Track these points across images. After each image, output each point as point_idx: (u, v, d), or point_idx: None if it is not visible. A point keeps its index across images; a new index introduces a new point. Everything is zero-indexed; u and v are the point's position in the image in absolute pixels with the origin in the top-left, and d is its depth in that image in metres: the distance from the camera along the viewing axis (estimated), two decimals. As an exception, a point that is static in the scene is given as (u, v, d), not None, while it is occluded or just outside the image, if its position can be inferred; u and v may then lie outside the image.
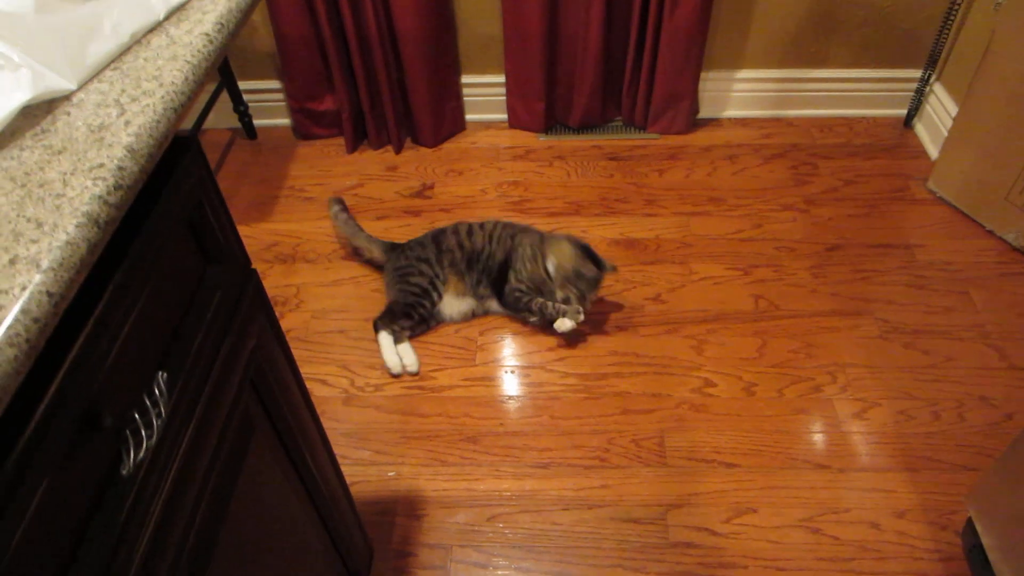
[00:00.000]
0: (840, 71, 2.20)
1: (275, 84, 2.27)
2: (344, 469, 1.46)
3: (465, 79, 2.25)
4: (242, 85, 2.23)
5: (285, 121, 2.34)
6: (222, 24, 0.66)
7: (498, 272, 1.71)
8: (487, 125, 2.33)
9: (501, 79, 2.23)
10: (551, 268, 1.66)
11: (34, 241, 0.46)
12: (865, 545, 1.32)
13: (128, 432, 0.53)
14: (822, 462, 1.44)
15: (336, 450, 1.49)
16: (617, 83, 2.21)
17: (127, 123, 0.55)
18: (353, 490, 1.44)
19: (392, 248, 1.80)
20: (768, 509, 1.38)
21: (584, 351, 1.66)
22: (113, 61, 0.62)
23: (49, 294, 0.43)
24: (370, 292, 1.82)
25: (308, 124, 2.27)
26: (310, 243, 1.96)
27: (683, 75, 2.11)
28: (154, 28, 0.66)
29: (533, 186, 2.11)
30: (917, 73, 2.16)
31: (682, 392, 1.57)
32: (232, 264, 0.71)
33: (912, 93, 2.19)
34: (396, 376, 1.62)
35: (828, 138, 2.21)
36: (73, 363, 0.49)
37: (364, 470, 1.47)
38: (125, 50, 0.63)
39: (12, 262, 0.44)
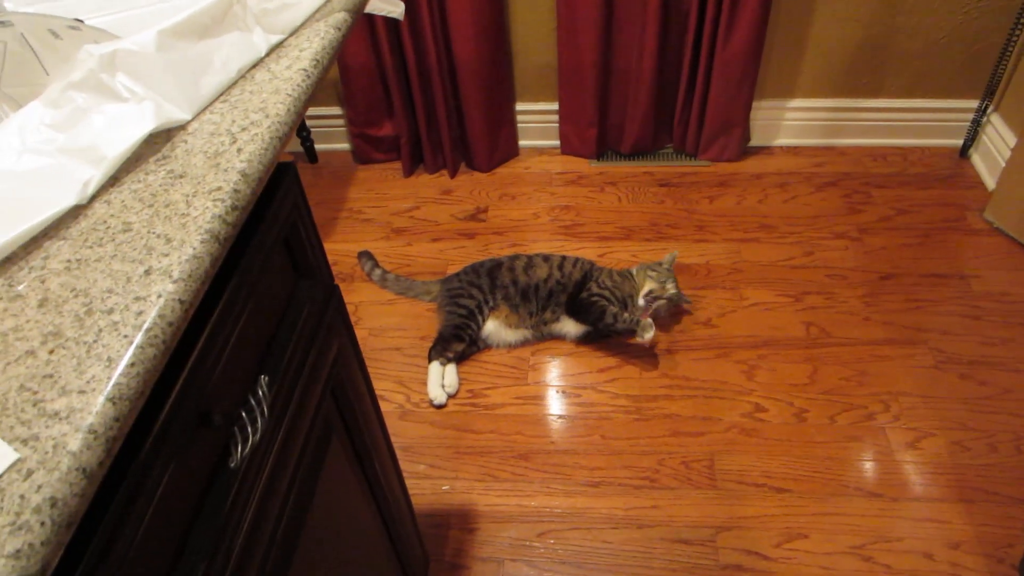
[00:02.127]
0: (894, 101, 2.21)
1: (336, 111, 2.37)
2: (400, 482, 1.52)
3: (519, 106, 2.32)
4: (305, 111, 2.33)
5: (345, 146, 2.44)
6: (317, 60, 0.73)
7: (575, 288, 1.74)
8: (540, 151, 2.39)
9: (555, 107, 2.29)
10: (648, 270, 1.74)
11: (165, 255, 0.52)
12: (918, 575, 1.31)
13: (236, 429, 0.58)
14: (874, 490, 1.44)
15: (392, 463, 1.55)
16: (669, 111, 2.25)
17: (239, 151, 0.61)
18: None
19: (448, 279, 1.86)
20: (819, 535, 1.38)
21: (634, 373, 1.69)
22: (222, 94, 0.68)
23: (180, 301, 0.49)
24: (424, 311, 1.87)
25: (367, 149, 2.35)
26: (368, 263, 2.03)
27: (735, 104, 2.14)
28: (257, 64, 0.72)
29: (585, 211, 2.15)
30: (974, 103, 2.15)
31: (732, 416, 1.58)
32: (319, 279, 0.77)
33: (968, 123, 2.18)
34: (439, 406, 1.65)
35: (881, 167, 2.21)
36: (192, 367, 0.54)
37: (419, 483, 1.52)
38: (232, 84, 0.70)
39: (147, 272, 0.50)
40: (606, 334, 1.74)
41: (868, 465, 1.48)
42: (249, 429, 0.58)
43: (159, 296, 0.49)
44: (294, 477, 0.68)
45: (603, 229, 2.08)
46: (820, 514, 1.41)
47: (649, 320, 1.64)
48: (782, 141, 2.32)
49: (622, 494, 1.47)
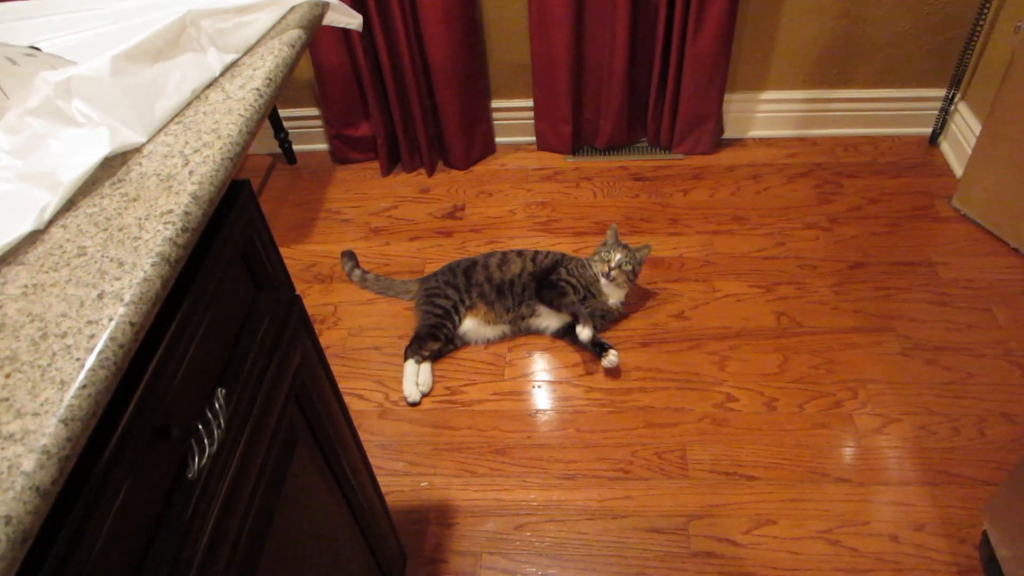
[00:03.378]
0: (864, 91, 2.24)
1: (314, 112, 2.38)
2: (379, 480, 1.54)
3: (495, 103, 2.34)
4: (282, 113, 2.35)
5: (323, 146, 2.45)
6: (271, 79, 0.75)
7: (543, 273, 1.77)
8: (516, 147, 2.41)
9: (530, 103, 2.31)
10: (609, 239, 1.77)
11: (117, 279, 0.54)
12: (883, 557, 1.35)
13: (193, 441, 0.60)
14: (842, 475, 1.48)
15: (372, 461, 1.57)
16: (642, 106, 2.28)
17: (191, 172, 0.63)
18: (388, 500, 1.51)
19: (426, 279, 1.89)
20: (788, 521, 1.42)
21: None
22: (177, 115, 0.70)
23: (131, 324, 0.52)
24: (403, 311, 1.90)
25: (345, 149, 2.37)
26: (347, 263, 2.05)
27: (707, 97, 2.17)
28: (211, 84, 0.75)
29: (560, 206, 2.18)
30: (941, 92, 2.19)
31: (704, 407, 1.62)
32: (279, 290, 0.79)
33: (937, 112, 2.21)
34: (413, 404, 1.68)
35: (853, 157, 2.25)
36: (148, 383, 0.57)
37: (398, 480, 1.55)
38: (187, 105, 0.72)
39: (100, 296, 0.53)
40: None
41: (836, 451, 1.52)
42: (206, 441, 0.61)
43: (110, 319, 0.51)
44: (257, 484, 0.71)
45: (579, 224, 2.11)
46: (789, 500, 1.45)
47: (614, 354, 1.66)
48: (755, 133, 2.35)
49: (597, 486, 1.50)
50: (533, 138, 2.39)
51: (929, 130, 2.26)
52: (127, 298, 0.52)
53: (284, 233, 2.17)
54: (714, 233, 2.03)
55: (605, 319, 1.79)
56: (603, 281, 1.73)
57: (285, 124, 2.36)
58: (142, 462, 0.56)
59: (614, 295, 1.76)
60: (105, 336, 0.50)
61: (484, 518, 1.47)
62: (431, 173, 2.34)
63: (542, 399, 1.67)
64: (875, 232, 1.99)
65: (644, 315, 1.83)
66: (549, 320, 1.78)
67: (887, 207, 2.06)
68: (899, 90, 2.23)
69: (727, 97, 2.24)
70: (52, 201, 0.61)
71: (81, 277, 0.55)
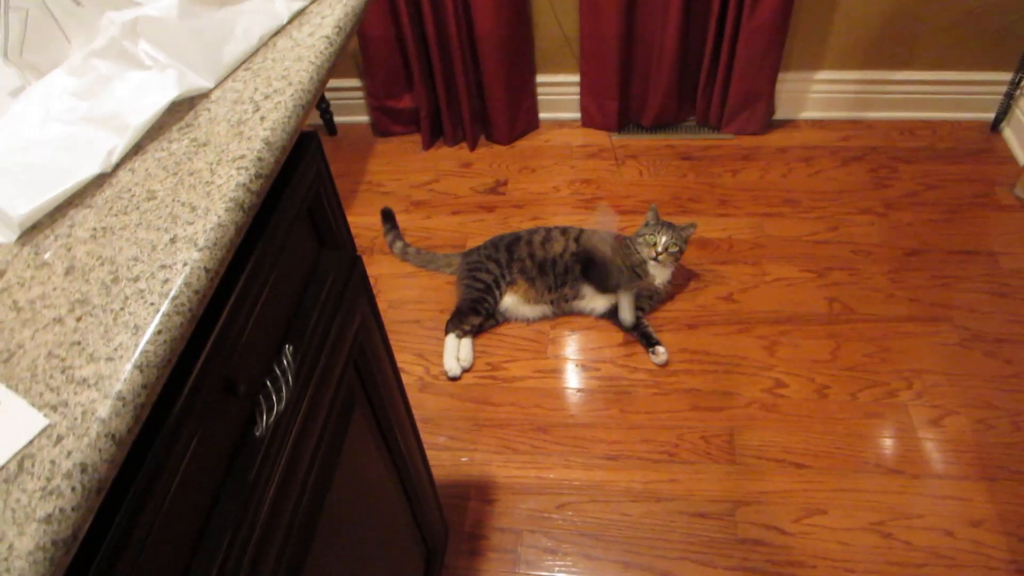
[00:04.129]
0: (924, 73, 2.15)
1: (356, 83, 2.36)
2: (419, 453, 1.53)
3: (540, 78, 2.29)
4: (326, 83, 2.32)
5: (364, 118, 2.43)
6: (340, 27, 0.72)
7: (589, 253, 1.74)
8: (560, 124, 2.36)
9: (576, 79, 2.26)
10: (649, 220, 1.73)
11: (190, 223, 0.51)
12: (938, 552, 1.30)
13: (261, 398, 0.58)
14: (895, 467, 1.43)
15: (412, 434, 1.56)
16: (692, 83, 2.22)
17: (262, 119, 0.60)
18: (428, 473, 1.50)
19: (468, 252, 1.86)
20: (838, 511, 1.38)
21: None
22: (245, 62, 0.68)
23: (206, 270, 0.49)
24: (444, 283, 1.87)
25: (387, 121, 2.34)
26: (388, 236, 2.03)
27: (760, 76, 2.10)
28: (279, 31, 0.72)
29: (605, 184, 2.13)
30: (1007, 76, 2.10)
31: (753, 391, 1.58)
32: (342, 249, 0.76)
33: (1001, 97, 2.12)
34: (453, 379, 1.67)
35: (909, 142, 2.17)
36: (217, 336, 0.54)
37: (438, 455, 1.53)
38: (255, 51, 0.69)
39: (172, 240, 0.50)
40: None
41: (889, 442, 1.47)
42: (274, 398, 0.58)
43: (185, 264, 0.48)
44: (318, 446, 0.69)
45: (624, 203, 2.06)
46: (839, 490, 1.40)
47: (663, 351, 1.64)
48: (807, 114, 2.28)
49: (641, 468, 1.47)
50: (578, 114, 2.34)
51: (992, 115, 2.17)
52: (201, 243, 0.50)
53: (325, 204, 2.15)
54: (764, 215, 1.97)
55: (652, 299, 1.75)
56: (651, 264, 1.69)
57: (326, 94, 2.34)
58: (211, 417, 0.54)
59: (660, 275, 1.72)
60: (180, 281, 0.47)
61: (525, 496, 1.45)
62: (473, 147, 2.30)
63: (585, 378, 1.64)
64: (932, 219, 1.92)
65: (691, 296, 1.78)
66: (595, 303, 1.74)
67: (945, 194, 1.99)
68: (961, 73, 2.14)
69: (780, 76, 2.17)
70: (119, 144, 0.58)
71: (152, 221, 0.52)
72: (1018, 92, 2.09)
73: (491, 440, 1.55)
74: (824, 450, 1.47)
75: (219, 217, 0.52)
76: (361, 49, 2.19)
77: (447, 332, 1.71)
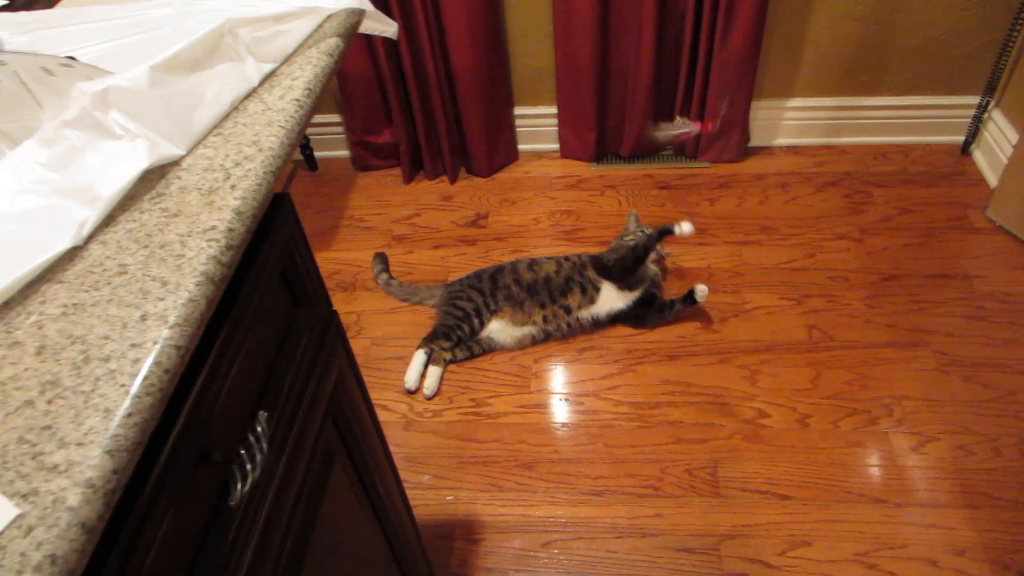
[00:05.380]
0: (894, 99, 2.20)
1: (335, 118, 2.37)
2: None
3: (518, 111, 2.32)
4: (306, 119, 2.33)
5: (345, 153, 2.44)
6: (310, 89, 0.73)
7: (592, 259, 1.83)
8: (539, 155, 2.39)
9: (553, 110, 2.29)
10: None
11: (160, 299, 0.52)
12: (924, 581, 1.31)
13: (235, 467, 0.58)
14: (878, 496, 1.44)
15: (396, 474, 1.55)
16: (668, 112, 2.25)
17: (233, 187, 0.61)
18: (414, 513, 1.49)
19: (451, 283, 1.88)
20: (823, 542, 1.38)
21: (637, 380, 1.69)
22: (216, 127, 0.68)
23: (177, 347, 0.49)
24: (427, 319, 1.87)
25: (367, 156, 2.35)
26: (369, 271, 2.03)
27: (734, 104, 2.14)
28: (250, 94, 0.72)
29: (585, 215, 2.15)
30: (975, 100, 2.14)
31: (735, 422, 1.58)
32: (317, 307, 0.77)
33: (969, 120, 2.17)
34: (409, 392, 1.70)
35: (883, 166, 2.20)
36: (191, 407, 0.55)
37: (423, 494, 1.52)
38: (226, 116, 0.70)
39: (143, 318, 0.51)
40: (647, 302, 1.79)
41: (872, 471, 1.48)
42: (248, 466, 0.58)
43: (155, 343, 0.49)
44: (295, 508, 0.69)
45: (604, 233, 2.08)
46: (824, 521, 1.41)
47: (701, 286, 1.73)
48: (782, 141, 2.32)
49: (626, 503, 1.47)
50: (556, 145, 2.36)
51: (962, 138, 2.22)
52: (172, 320, 0.50)
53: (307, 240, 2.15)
54: (742, 243, 2.00)
55: (655, 283, 1.83)
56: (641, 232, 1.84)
57: (307, 131, 2.35)
58: (185, 490, 0.54)
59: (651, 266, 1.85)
60: (150, 361, 0.48)
61: (511, 534, 1.44)
62: (453, 180, 2.32)
63: (569, 413, 1.64)
64: (907, 243, 1.95)
65: (672, 327, 1.79)
66: (612, 302, 1.77)
67: (919, 217, 2.02)
68: (931, 97, 2.18)
69: (754, 104, 2.20)
70: (91, 216, 0.59)
71: (123, 297, 0.53)
72: (986, 115, 2.13)
73: (476, 478, 1.54)
74: (807, 480, 1.47)
75: (189, 292, 0.52)
76: (339, 86, 2.21)
77: (417, 348, 1.73)
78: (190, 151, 0.66)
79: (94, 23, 0.86)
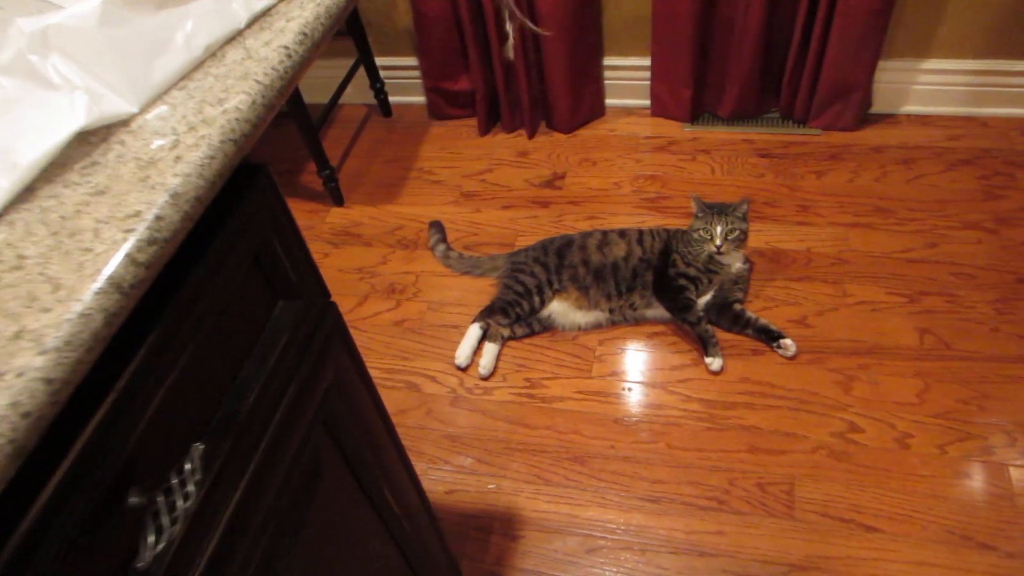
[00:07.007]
0: (1055, 64, 1.86)
1: (412, 62, 2.23)
2: (443, 475, 1.42)
3: (607, 61, 2.11)
4: (379, 61, 2.21)
5: (420, 99, 2.30)
6: (306, 34, 0.58)
7: (659, 262, 1.60)
8: (628, 111, 2.18)
9: (646, 62, 2.06)
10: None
11: (46, 310, 0.40)
12: (1034, 652, 1.10)
13: (150, 517, 0.46)
14: (987, 541, 1.22)
15: (438, 453, 1.45)
16: (777, 70, 1.99)
17: (177, 159, 0.48)
18: (451, 499, 1.39)
19: (515, 252, 1.73)
20: (913, 586, 1.19)
21: (712, 375, 1.51)
22: (183, 79, 0.55)
23: (48, 381, 0.37)
24: (488, 286, 1.74)
25: (442, 104, 2.21)
26: (434, 229, 1.91)
27: (857, 64, 1.86)
28: (235, 38, 0.59)
29: (672, 182, 1.94)
30: None
31: (821, 435, 1.39)
32: (308, 298, 0.64)
33: None
34: (460, 369, 1.58)
35: (1031, 144, 1.88)
36: (95, 437, 0.43)
37: (464, 478, 1.42)
38: (198, 65, 0.56)
39: (17, 336, 0.39)
40: (723, 306, 1.59)
41: (982, 509, 1.26)
42: (165, 519, 0.46)
43: (19, 375, 0.37)
44: (256, 542, 0.57)
45: (691, 204, 1.87)
46: (916, 563, 1.21)
47: (791, 343, 1.50)
48: (910, 108, 2.01)
49: (685, 514, 1.32)
50: (647, 102, 2.14)
51: None
52: (48, 342, 0.38)
53: (372, 191, 2.05)
54: (850, 226, 1.75)
55: (740, 284, 1.60)
56: (717, 257, 1.55)
57: (382, 74, 2.22)
58: (77, 544, 0.43)
59: (735, 260, 1.57)
60: (4, 402, 0.36)
61: (553, 535, 1.32)
62: (532, 135, 2.14)
63: (632, 404, 1.49)
64: (1053, 239, 1.66)
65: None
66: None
67: (1071, 209, 1.71)
68: (1102, 66, 1.83)
69: (880, 64, 1.91)
70: (3, 187, 0.47)
71: (6, 303, 0.41)
72: None
73: (522, 467, 1.42)
74: (901, 512, 1.27)
75: (83, 304, 0.40)
76: (416, 26, 2.06)
77: (473, 321, 1.61)
78: (145, 108, 0.53)
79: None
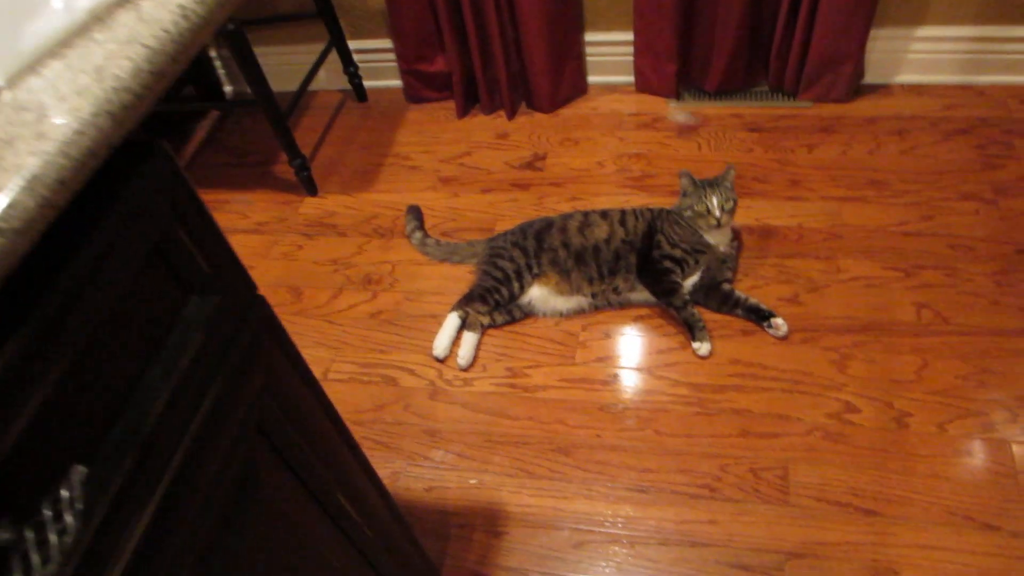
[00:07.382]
0: (1053, 25, 1.78)
1: (387, 44, 2.15)
2: (423, 472, 1.37)
3: (588, 36, 2.03)
4: (352, 45, 2.13)
5: (396, 83, 2.23)
6: (208, -7, 0.52)
7: (643, 244, 1.53)
8: (611, 88, 2.10)
9: (629, 36, 1.99)
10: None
11: None
12: (1042, 640, 1.05)
13: (18, 557, 0.40)
14: (990, 521, 1.17)
15: (417, 449, 1.39)
16: (765, 41, 1.91)
17: (40, 136, 0.41)
18: (431, 496, 1.34)
19: (494, 238, 1.66)
20: (914, 572, 1.13)
21: (700, 359, 1.45)
22: (61, 45, 0.49)
23: None
24: (467, 273, 1.68)
25: (418, 87, 2.14)
26: (412, 216, 1.84)
27: (848, 32, 1.78)
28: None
29: (658, 160, 1.87)
30: None
31: (816, 416, 1.33)
32: (228, 292, 0.58)
33: None
34: (438, 360, 1.52)
35: (1029, 109, 1.81)
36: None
37: (444, 475, 1.36)
38: (81, 29, 0.50)
39: None
40: (711, 286, 1.53)
41: (984, 489, 1.20)
42: (34, 557, 0.40)
43: None
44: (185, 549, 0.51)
45: (678, 183, 1.80)
46: (917, 546, 1.16)
47: (782, 323, 1.44)
48: (904, 78, 1.94)
49: (675, 503, 1.26)
50: (631, 78, 2.07)
51: None
52: None
53: (347, 180, 1.98)
54: (843, 200, 1.68)
55: (728, 264, 1.54)
56: (709, 232, 1.50)
57: (355, 57, 2.15)
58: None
59: (722, 238, 1.52)
60: None
61: (538, 530, 1.26)
62: (511, 116, 2.07)
63: (617, 391, 1.43)
64: (1054, 206, 1.59)
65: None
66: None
67: (1072, 175, 1.65)
68: (1102, 24, 1.76)
69: (873, 32, 1.83)
70: None
71: None
72: None
73: (505, 460, 1.36)
74: (900, 494, 1.21)
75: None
76: (388, 7, 1.98)
77: (451, 310, 1.55)
78: (12, 81, 0.46)
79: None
